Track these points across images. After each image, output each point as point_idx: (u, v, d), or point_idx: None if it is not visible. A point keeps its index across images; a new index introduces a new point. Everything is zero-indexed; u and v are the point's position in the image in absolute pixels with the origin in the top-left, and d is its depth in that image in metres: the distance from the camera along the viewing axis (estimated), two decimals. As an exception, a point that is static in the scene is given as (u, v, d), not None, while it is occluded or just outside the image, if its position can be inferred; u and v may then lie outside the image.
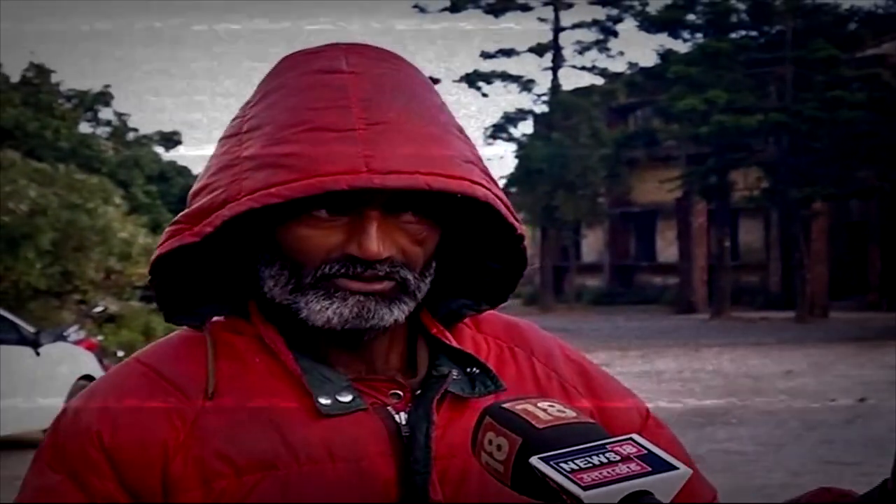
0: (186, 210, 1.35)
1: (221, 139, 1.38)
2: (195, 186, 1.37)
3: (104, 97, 35.94)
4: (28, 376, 12.14)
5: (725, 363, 20.85)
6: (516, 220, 1.38)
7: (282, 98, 1.34)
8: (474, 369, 1.39)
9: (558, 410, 1.14)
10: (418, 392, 1.35)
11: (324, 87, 1.32)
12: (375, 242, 1.29)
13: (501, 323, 1.50)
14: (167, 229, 1.37)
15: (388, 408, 1.33)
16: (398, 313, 1.32)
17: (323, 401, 1.29)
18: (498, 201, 1.35)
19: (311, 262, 1.31)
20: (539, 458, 1.08)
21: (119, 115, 36.52)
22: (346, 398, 1.30)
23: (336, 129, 1.29)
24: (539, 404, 1.15)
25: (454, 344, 1.42)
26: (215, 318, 1.39)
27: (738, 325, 31.49)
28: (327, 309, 1.30)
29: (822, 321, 32.63)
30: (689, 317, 36.18)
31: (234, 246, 1.37)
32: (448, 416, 1.33)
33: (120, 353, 17.23)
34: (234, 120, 1.39)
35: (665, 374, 19.21)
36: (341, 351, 1.35)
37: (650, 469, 1.07)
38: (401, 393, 1.35)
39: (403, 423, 1.32)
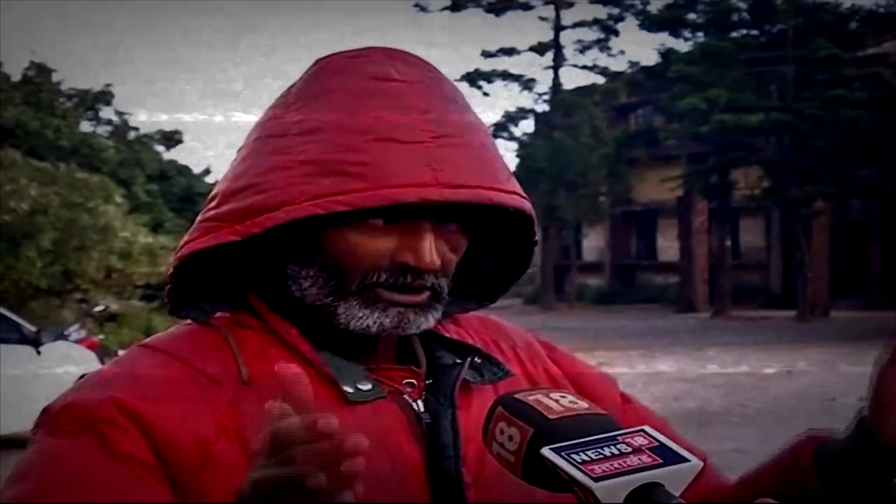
0: (226, 207, 1.35)
1: (259, 138, 1.38)
2: (230, 184, 1.37)
3: (105, 96, 35.93)
4: (29, 375, 12.15)
5: (726, 362, 20.86)
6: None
7: (338, 103, 1.35)
8: (476, 359, 1.42)
9: (570, 401, 1.15)
10: (430, 381, 1.39)
11: (382, 95, 1.34)
12: (431, 253, 1.32)
13: (476, 319, 1.54)
14: (201, 224, 1.37)
15: (405, 396, 1.36)
16: (431, 321, 1.37)
17: (347, 388, 1.32)
18: (534, 216, 1.42)
19: (358, 268, 1.33)
20: (550, 448, 1.08)
21: (120, 114, 36.52)
22: (367, 386, 1.33)
23: (403, 140, 1.31)
24: (551, 395, 1.16)
25: (454, 336, 1.46)
26: (219, 314, 1.40)
27: (738, 325, 31.50)
28: (367, 317, 1.33)
29: (824, 320, 32.64)
30: (690, 316, 36.20)
31: (252, 240, 1.36)
32: (461, 404, 1.37)
33: (121, 352, 17.23)
34: (268, 120, 1.39)
35: (666, 374, 19.22)
36: (351, 344, 1.37)
37: (661, 461, 1.07)
38: (414, 381, 1.38)
39: (422, 410, 1.35)
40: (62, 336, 13.40)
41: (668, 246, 43.60)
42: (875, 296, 36.39)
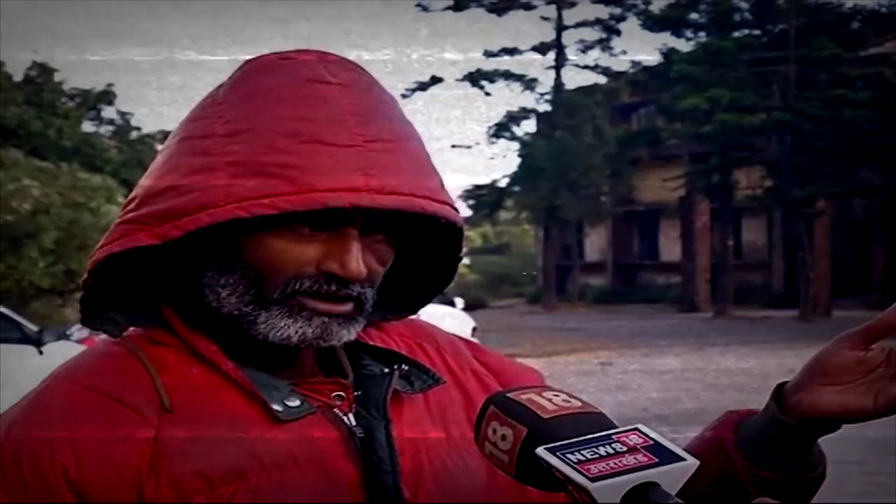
0: (146, 209, 1.28)
1: (183, 139, 1.31)
2: (150, 187, 1.30)
3: (107, 96, 35.95)
4: (31, 375, 12.14)
5: (728, 362, 20.84)
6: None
7: (267, 104, 1.28)
8: (403, 366, 1.38)
9: (563, 400, 1.14)
10: (359, 393, 1.34)
11: (313, 98, 1.28)
12: (358, 262, 1.26)
13: (399, 322, 1.49)
14: (117, 227, 1.30)
15: (335, 409, 1.31)
16: (353, 333, 1.31)
17: (276, 407, 1.26)
18: (463, 228, 1.37)
19: (280, 275, 1.27)
20: (545, 448, 1.07)
21: (122, 113, 36.53)
22: (295, 403, 1.28)
23: (334, 143, 1.25)
24: (544, 394, 1.15)
25: (379, 344, 1.42)
26: (132, 329, 1.34)
27: (741, 324, 31.46)
28: (289, 327, 1.27)
29: (826, 320, 32.59)
30: (693, 315, 36.18)
31: (166, 249, 1.30)
32: (393, 415, 1.32)
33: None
34: (194, 121, 1.33)
35: (668, 373, 19.20)
36: (272, 357, 1.32)
37: (657, 460, 1.06)
38: (343, 394, 1.33)
39: (353, 423, 1.30)
40: (64, 336, 13.39)
41: (670, 246, 43.58)
42: (877, 296, 36.34)
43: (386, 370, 1.37)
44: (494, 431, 1.13)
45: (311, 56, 1.34)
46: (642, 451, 1.07)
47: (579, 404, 1.14)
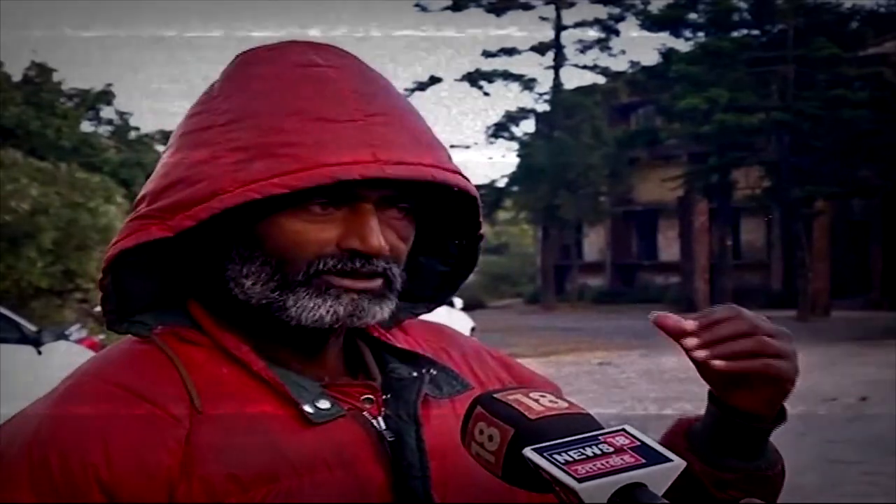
0: (156, 204, 1.28)
1: (184, 134, 1.32)
2: (158, 183, 1.30)
3: (106, 96, 35.92)
4: (29, 375, 12.14)
5: (727, 362, 20.80)
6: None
7: (265, 90, 1.29)
8: (432, 371, 1.37)
9: (550, 401, 1.14)
10: (388, 396, 1.33)
11: (309, 80, 1.29)
12: (378, 236, 1.26)
13: (423, 326, 1.49)
14: (128, 224, 1.30)
15: (365, 413, 1.30)
16: (386, 310, 1.31)
17: (307, 409, 1.26)
18: (478, 198, 1.36)
19: (302, 257, 1.26)
20: (532, 449, 1.08)
21: (121, 114, 36.51)
22: (325, 405, 1.27)
23: (336, 119, 1.25)
24: (531, 395, 1.15)
25: (403, 345, 1.41)
26: (161, 329, 1.32)
27: (739, 324, 31.40)
28: (320, 307, 1.26)
29: (824, 320, 32.59)
30: (691, 316, 36.10)
31: (186, 245, 1.30)
32: (422, 420, 1.32)
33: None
34: (192, 117, 1.33)
35: (667, 374, 19.19)
36: (300, 356, 1.32)
37: (644, 461, 1.07)
38: (372, 397, 1.32)
39: (383, 427, 1.29)
40: (63, 336, 13.37)
41: (668, 246, 43.56)
42: (876, 295, 36.36)
43: (415, 374, 1.36)
44: (481, 432, 1.13)
45: (300, 44, 1.35)
46: (629, 451, 1.08)
47: (566, 405, 1.15)
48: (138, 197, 1.32)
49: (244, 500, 1.20)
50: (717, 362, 1.26)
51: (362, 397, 1.31)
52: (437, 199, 1.35)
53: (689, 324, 1.29)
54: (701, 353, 1.27)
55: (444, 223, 1.42)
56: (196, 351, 1.29)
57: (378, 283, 1.28)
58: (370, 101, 1.28)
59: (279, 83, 1.29)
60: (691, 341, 1.27)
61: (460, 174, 1.32)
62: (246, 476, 1.21)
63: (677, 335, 1.29)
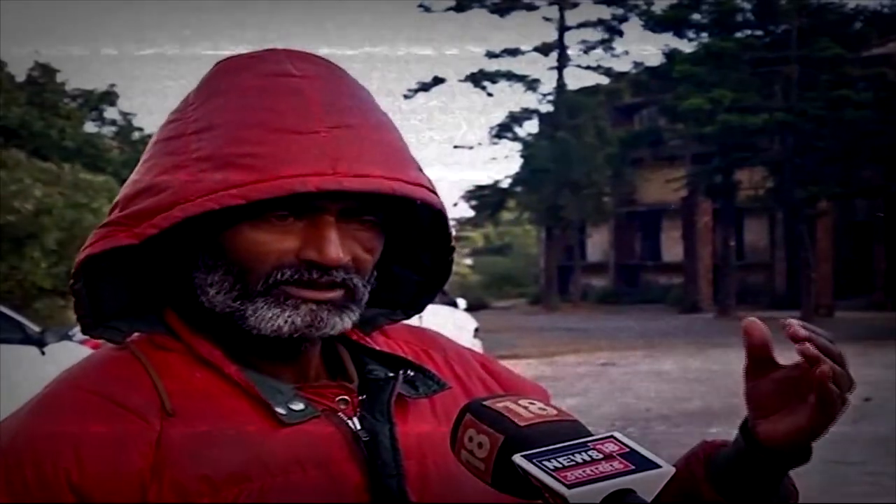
0: (125, 211, 1.29)
1: (157, 142, 1.33)
2: (130, 190, 1.31)
3: (109, 96, 35.97)
4: (33, 376, 12.15)
5: (731, 363, 20.79)
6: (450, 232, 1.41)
7: (233, 100, 1.30)
8: (409, 371, 1.38)
9: (539, 408, 1.15)
10: (363, 397, 1.34)
11: (279, 90, 1.30)
12: (336, 248, 1.27)
13: (405, 329, 1.49)
14: (97, 231, 1.31)
15: (339, 413, 1.31)
16: (347, 322, 1.31)
17: (279, 410, 1.27)
18: (445, 211, 1.37)
19: (261, 267, 1.27)
20: (522, 455, 1.08)
21: (124, 114, 36.57)
22: (299, 406, 1.28)
23: (298, 130, 1.26)
24: (520, 402, 1.15)
25: (383, 349, 1.42)
26: (135, 335, 1.34)
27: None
28: (278, 317, 1.27)
29: (828, 321, 32.53)
30: (695, 316, 36.12)
31: (158, 252, 1.32)
32: (398, 419, 1.33)
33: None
34: (168, 123, 1.34)
35: (670, 374, 19.19)
36: (275, 361, 1.33)
37: (633, 467, 1.07)
38: (347, 398, 1.33)
39: (358, 427, 1.30)
40: (67, 336, 13.36)
41: (672, 246, 43.54)
42: (879, 296, 36.32)
43: (391, 374, 1.37)
44: (471, 439, 1.14)
45: (279, 53, 1.35)
46: (618, 458, 1.08)
47: (555, 412, 1.15)
48: (113, 203, 1.34)
49: (216, 501, 1.21)
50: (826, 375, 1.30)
51: (337, 398, 1.32)
52: (408, 211, 1.36)
53: (801, 331, 1.38)
54: (824, 367, 1.31)
55: (417, 234, 1.43)
56: (169, 357, 1.31)
57: (338, 293, 1.29)
58: (337, 114, 1.29)
59: (246, 93, 1.30)
60: (811, 349, 1.33)
61: (426, 188, 1.32)
62: (218, 477, 1.22)
63: (792, 337, 1.37)
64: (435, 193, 1.34)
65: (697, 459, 1.38)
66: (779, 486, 1.35)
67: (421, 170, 1.34)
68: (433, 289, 1.46)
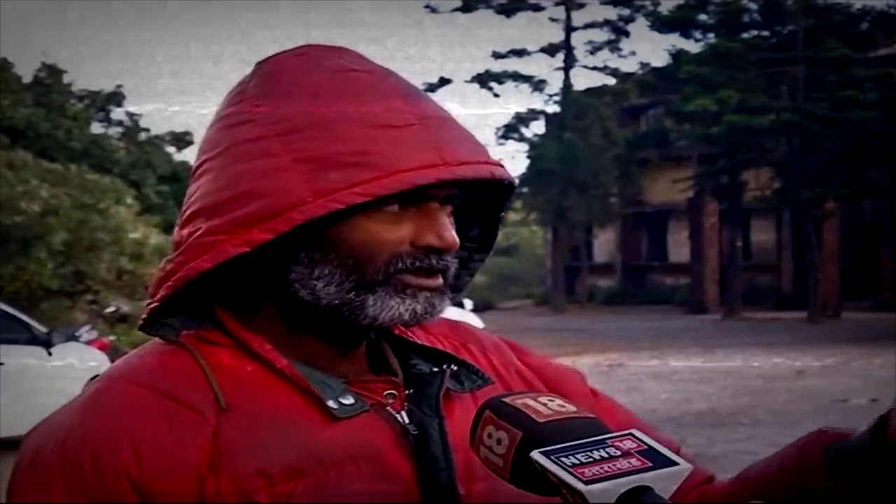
0: (223, 219, 1.28)
1: (226, 149, 1.31)
2: (215, 198, 1.29)
3: (116, 97, 36.05)
4: (40, 376, 12.18)
5: (737, 363, 20.82)
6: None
7: (310, 98, 1.30)
8: (452, 366, 1.40)
9: (559, 405, 1.15)
10: (410, 391, 1.35)
11: (351, 85, 1.31)
12: (452, 233, 1.31)
13: (442, 322, 1.49)
14: (191, 243, 1.30)
15: (388, 408, 1.32)
16: (448, 306, 1.35)
17: (331, 404, 1.28)
18: (515, 185, 1.41)
19: (379, 257, 1.29)
20: (540, 452, 1.08)
21: (131, 115, 36.65)
22: (349, 400, 1.29)
23: (395, 125, 1.28)
24: (539, 399, 1.16)
25: (424, 342, 1.43)
26: (185, 331, 1.34)
27: (749, 326, 31.42)
28: (399, 306, 1.30)
29: (834, 321, 32.55)
30: (701, 317, 36.13)
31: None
32: (445, 413, 1.34)
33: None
34: (230, 128, 1.32)
35: (677, 375, 19.19)
36: (329, 356, 1.34)
37: (651, 464, 1.07)
38: (395, 393, 1.34)
39: (406, 421, 1.32)
40: (73, 337, 13.39)
41: (678, 247, 43.54)
42: (886, 297, 36.29)
43: (436, 369, 1.39)
44: (490, 435, 1.14)
45: (320, 49, 1.37)
46: (636, 455, 1.08)
47: (574, 409, 1.15)
48: (184, 219, 1.33)
49: (273, 495, 1.22)
50: None
51: (385, 393, 1.34)
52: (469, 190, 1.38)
53: None
54: None
55: (469, 208, 1.43)
56: (220, 351, 1.31)
57: (442, 280, 1.33)
58: (416, 104, 1.32)
59: (322, 90, 1.31)
60: None
61: (503, 167, 1.36)
62: (274, 471, 1.23)
63: None
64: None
65: (813, 448, 1.32)
66: None
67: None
68: (474, 266, 1.48)
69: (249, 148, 1.29)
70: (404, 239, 1.29)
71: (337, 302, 1.30)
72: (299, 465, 1.24)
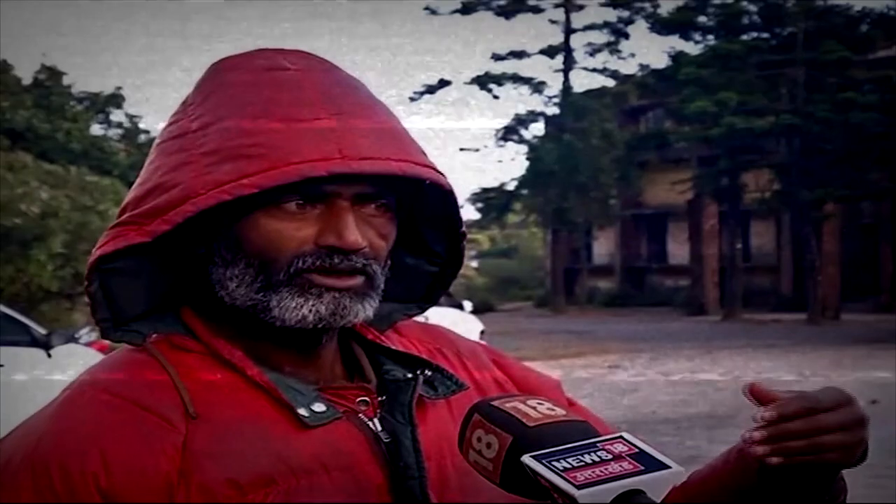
0: (135, 212, 1.30)
1: (161, 143, 1.35)
2: (138, 191, 1.32)
3: (116, 99, 36.03)
4: (39, 378, 12.17)
5: (737, 365, 20.81)
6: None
7: (233, 95, 1.32)
8: (426, 371, 1.38)
9: (548, 409, 1.14)
10: (383, 398, 1.34)
11: (276, 83, 1.31)
12: (354, 232, 1.27)
13: (418, 327, 1.49)
14: (108, 232, 1.31)
15: (360, 415, 1.31)
16: (369, 309, 1.31)
17: (302, 412, 1.26)
18: (454, 192, 1.37)
19: (283, 256, 1.27)
20: (531, 456, 1.08)
21: (130, 116, 36.63)
22: (320, 408, 1.28)
23: (301, 119, 1.27)
24: (528, 402, 1.15)
25: (398, 347, 1.41)
26: (154, 336, 1.33)
27: (749, 327, 31.40)
28: (302, 307, 1.27)
29: (834, 323, 32.55)
30: (701, 319, 36.12)
31: (173, 252, 1.32)
32: (418, 420, 1.32)
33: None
34: (170, 125, 1.35)
35: (676, 377, 19.18)
36: (293, 360, 1.33)
37: (642, 468, 1.07)
38: (368, 399, 1.33)
39: (379, 429, 1.30)
40: (73, 339, 13.37)
41: (678, 249, 43.53)
42: (886, 298, 36.29)
43: (409, 375, 1.36)
44: (479, 439, 1.14)
45: (270, 51, 1.37)
46: (627, 458, 1.08)
47: (563, 413, 1.15)
48: (121, 206, 1.34)
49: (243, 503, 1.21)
50: (773, 459, 1.25)
51: (357, 399, 1.32)
52: (418, 197, 1.36)
53: (766, 413, 1.31)
54: (759, 450, 1.25)
55: (427, 223, 1.43)
56: (189, 357, 1.30)
57: (359, 280, 1.29)
58: (336, 101, 1.30)
59: (245, 88, 1.32)
60: (756, 434, 1.26)
61: (432, 168, 1.32)
62: (244, 480, 1.22)
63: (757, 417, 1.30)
64: (442, 175, 1.34)
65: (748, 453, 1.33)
66: (832, 484, 1.33)
67: (425, 153, 1.35)
68: (447, 279, 1.46)
69: (172, 144, 1.32)
70: (308, 238, 1.27)
71: (249, 303, 1.29)
72: (270, 473, 1.23)
